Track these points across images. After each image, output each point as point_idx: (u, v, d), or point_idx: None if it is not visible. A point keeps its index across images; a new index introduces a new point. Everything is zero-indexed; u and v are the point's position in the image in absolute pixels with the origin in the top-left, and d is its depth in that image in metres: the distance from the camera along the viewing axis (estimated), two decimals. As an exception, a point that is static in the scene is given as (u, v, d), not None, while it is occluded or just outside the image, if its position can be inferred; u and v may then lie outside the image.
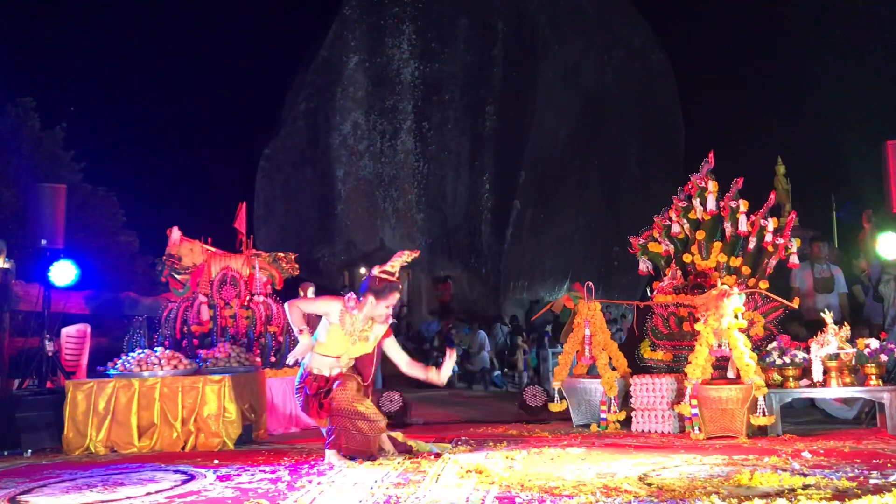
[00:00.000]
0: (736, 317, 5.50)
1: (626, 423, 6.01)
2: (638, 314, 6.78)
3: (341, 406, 4.48)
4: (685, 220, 6.64)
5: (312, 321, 4.88)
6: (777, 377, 5.56)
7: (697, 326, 5.62)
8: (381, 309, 4.57)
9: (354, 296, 4.62)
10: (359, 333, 4.61)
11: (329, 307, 4.61)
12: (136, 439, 5.54)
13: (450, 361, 4.73)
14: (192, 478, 4.16)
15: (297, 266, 7.60)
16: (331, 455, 4.47)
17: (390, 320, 4.78)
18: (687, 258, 6.54)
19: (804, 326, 7.02)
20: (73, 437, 5.55)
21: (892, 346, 5.47)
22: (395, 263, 4.65)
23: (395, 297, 4.60)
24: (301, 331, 4.57)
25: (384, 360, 5.12)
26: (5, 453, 5.46)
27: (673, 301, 6.34)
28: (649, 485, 3.54)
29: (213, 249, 7.24)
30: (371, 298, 4.56)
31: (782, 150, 10.75)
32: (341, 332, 4.58)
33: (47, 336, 6.28)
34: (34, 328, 6.86)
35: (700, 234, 6.49)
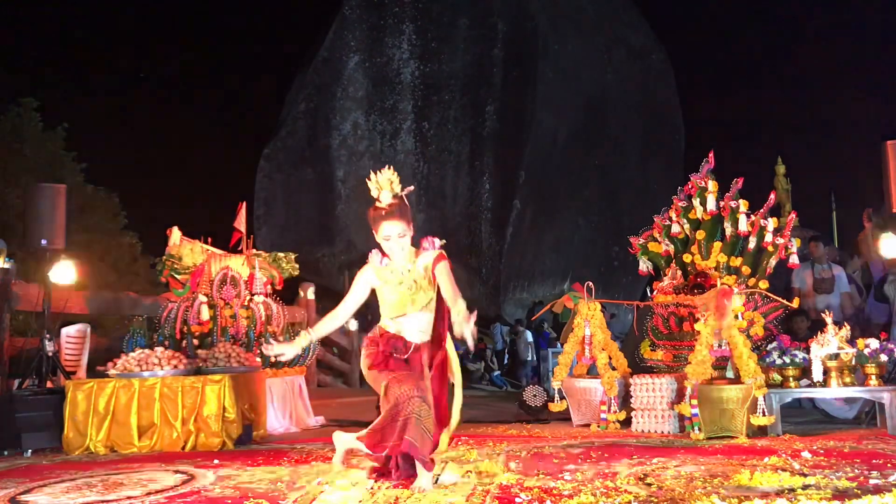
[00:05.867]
0: (736, 317, 5.50)
1: (626, 423, 6.01)
2: (638, 314, 6.78)
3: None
4: (685, 220, 6.64)
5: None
6: (777, 377, 5.57)
7: (697, 326, 5.62)
8: (383, 245, 3.85)
9: (376, 251, 3.98)
10: (406, 273, 3.83)
11: (363, 277, 3.89)
12: (136, 439, 5.54)
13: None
14: (192, 478, 4.16)
15: (297, 266, 7.60)
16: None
17: (437, 244, 3.94)
18: (687, 258, 6.54)
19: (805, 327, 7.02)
20: (73, 437, 5.55)
21: (893, 346, 5.48)
22: (371, 185, 3.92)
23: (383, 225, 3.78)
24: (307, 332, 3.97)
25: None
26: (5, 453, 5.46)
27: (673, 301, 6.34)
28: (649, 485, 3.54)
29: (213, 249, 7.24)
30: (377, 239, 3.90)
31: (782, 150, 10.78)
32: (390, 286, 3.84)
33: (47, 336, 6.27)
34: (34, 328, 6.85)
35: (700, 234, 6.49)
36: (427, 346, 3.84)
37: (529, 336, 13.47)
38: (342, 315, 3.94)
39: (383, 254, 3.90)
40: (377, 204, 3.83)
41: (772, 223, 6.37)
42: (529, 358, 13.30)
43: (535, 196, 18.03)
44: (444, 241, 4.05)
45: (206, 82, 19.81)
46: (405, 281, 3.83)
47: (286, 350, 3.94)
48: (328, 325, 3.98)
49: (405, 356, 3.78)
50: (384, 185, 3.84)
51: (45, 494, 3.80)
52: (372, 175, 3.89)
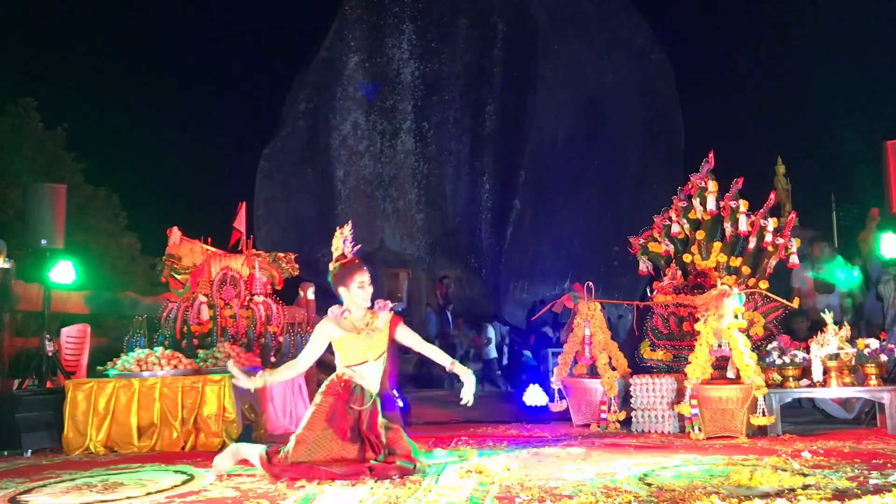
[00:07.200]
0: (736, 317, 5.50)
1: (626, 423, 6.01)
2: (638, 314, 6.78)
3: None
4: (685, 220, 6.64)
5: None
6: (777, 377, 5.57)
7: (697, 326, 5.63)
8: (356, 292, 4.12)
9: (335, 305, 4.29)
10: (366, 326, 4.13)
11: (324, 331, 4.17)
12: (136, 439, 5.54)
13: (469, 383, 4.15)
14: (192, 478, 4.16)
15: (297, 266, 7.60)
16: None
17: (389, 305, 4.27)
18: (687, 258, 6.54)
19: (805, 327, 7.02)
20: (73, 437, 5.55)
21: (892, 346, 5.48)
22: (336, 244, 4.27)
23: (358, 274, 4.13)
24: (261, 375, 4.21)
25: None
26: (5, 453, 5.46)
27: (673, 301, 6.34)
28: (649, 485, 3.54)
29: (213, 249, 7.23)
30: (342, 290, 4.16)
31: (782, 150, 10.75)
32: (351, 336, 4.12)
33: (47, 336, 6.28)
34: (34, 328, 6.85)
35: (700, 234, 6.49)
36: (374, 405, 4.12)
37: (491, 331, 13.34)
38: (302, 366, 4.27)
39: (342, 308, 4.18)
40: (344, 258, 4.19)
41: (772, 223, 6.37)
42: (493, 356, 13.10)
43: (535, 196, 18.02)
44: (395, 303, 4.51)
45: (207, 82, 19.81)
46: (364, 330, 4.13)
47: (242, 380, 4.17)
48: (287, 372, 4.35)
49: (360, 408, 4.05)
50: (344, 238, 4.24)
51: (45, 494, 3.81)
52: (337, 231, 4.26)
